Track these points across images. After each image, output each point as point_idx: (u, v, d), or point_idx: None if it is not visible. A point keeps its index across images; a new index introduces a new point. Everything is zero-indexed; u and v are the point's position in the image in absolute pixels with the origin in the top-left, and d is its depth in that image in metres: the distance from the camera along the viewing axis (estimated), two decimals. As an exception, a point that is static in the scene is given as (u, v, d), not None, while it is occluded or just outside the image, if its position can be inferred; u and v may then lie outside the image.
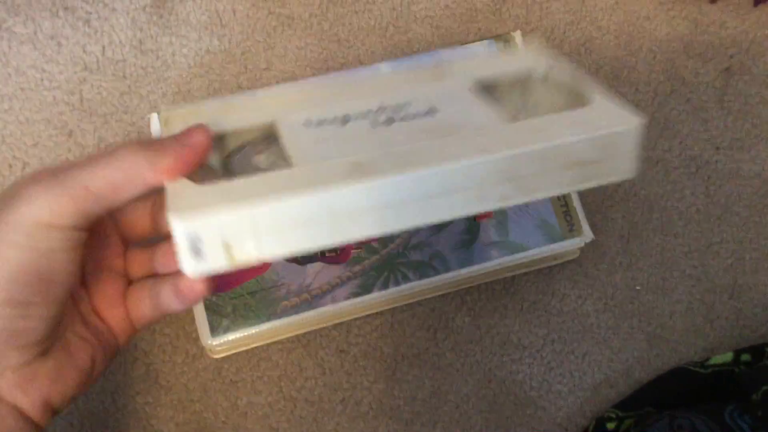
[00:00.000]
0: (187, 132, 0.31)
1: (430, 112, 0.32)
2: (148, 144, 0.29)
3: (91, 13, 0.50)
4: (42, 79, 0.48)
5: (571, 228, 0.45)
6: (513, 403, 0.46)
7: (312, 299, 0.43)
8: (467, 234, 0.45)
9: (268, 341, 0.45)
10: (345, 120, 0.33)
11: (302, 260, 0.43)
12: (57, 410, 0.31)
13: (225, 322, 0.42)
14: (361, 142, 0.31)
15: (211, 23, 0.50)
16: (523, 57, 0.37)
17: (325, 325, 0.45)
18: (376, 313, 0.46)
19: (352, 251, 0.44)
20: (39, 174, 0.29)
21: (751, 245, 0.50)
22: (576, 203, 0.46)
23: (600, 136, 0.29)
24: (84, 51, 0.49)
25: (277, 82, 0.50)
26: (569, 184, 0.29)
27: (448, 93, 0.33)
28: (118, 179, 0.28)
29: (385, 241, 0.44)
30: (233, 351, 0.44)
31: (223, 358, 0.45)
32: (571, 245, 0.45)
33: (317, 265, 0.43)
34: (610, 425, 0.45)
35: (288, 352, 0.45)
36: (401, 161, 0.28)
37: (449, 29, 0.52)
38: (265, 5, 0.51)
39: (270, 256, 0.28)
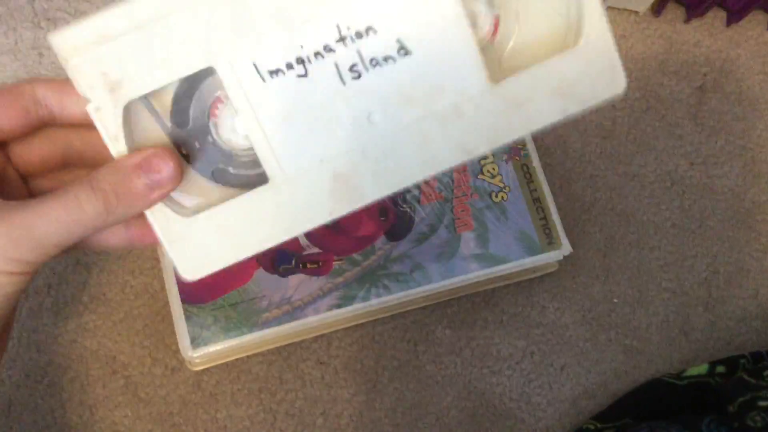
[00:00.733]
0: (152, 165, 0.26)
1: (401, 50, 0.27)
2: (107, 184, 0.26)
3: (72, 25, 0.50)
4: (22, 90, 0.48)
5: (550, 241, 0.46)
6: (492, 415, 0.47)
7: (293, 311, 0.43)
8: (448, 246, 0.45)
9: (249, 353, 0.45)
10: (302, 66, 0.27)
11: (284, 272, 0.43)
12: None
13: (205, 334, 0.42)
14: (332, 118, 0.27)
15: (193, 36, 0.51)
16: None
17: (306, 337, 0.46)
18: (357, 325, 0.47)
19: (334, 263, 0.44)
20: None
21: (725, 259, 0.51)
22: (555, 216, 0.46)
23: (584, 109, 0.28)
24: (65, 62, 0.49)
25: None
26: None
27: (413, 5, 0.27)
28: (68, 225, 0.25)
29: (366, 253, 0.44)
30: (213, 363, 0.44)
31: (202, 370, 0.45)
32: (550, 258, 0.46)
33: (299, 277, 0.43)
34: (589, 436, 0.45)
35: (268, 365, 0.45)
36: (384, 175, 0.27)
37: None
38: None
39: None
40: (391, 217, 0.45)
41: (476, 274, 0.45)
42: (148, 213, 0.27)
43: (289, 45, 0.26)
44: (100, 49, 0.25)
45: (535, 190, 0.47)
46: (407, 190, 0.46)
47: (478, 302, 0.48)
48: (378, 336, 0.47)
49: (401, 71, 0.26)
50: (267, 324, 0.42)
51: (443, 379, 0.47)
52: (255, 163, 0.28)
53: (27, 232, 0.25)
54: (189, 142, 0.28)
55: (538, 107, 0.27)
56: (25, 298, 0.45)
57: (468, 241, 0.45)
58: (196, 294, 0.42)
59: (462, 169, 0.47)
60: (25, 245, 0.25)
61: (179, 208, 0.28)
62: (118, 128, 0.26)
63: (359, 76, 0.26)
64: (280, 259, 0.43)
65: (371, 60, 0.26)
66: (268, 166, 0.27)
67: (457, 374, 0.47)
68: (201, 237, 0.28)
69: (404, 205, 0.45)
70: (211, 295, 0.42)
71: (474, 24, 0.27)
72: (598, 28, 0.28)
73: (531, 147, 0.48)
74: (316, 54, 0.26)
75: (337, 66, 0.26)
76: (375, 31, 0.26)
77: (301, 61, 0.26)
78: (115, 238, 0.29)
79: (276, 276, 0.43)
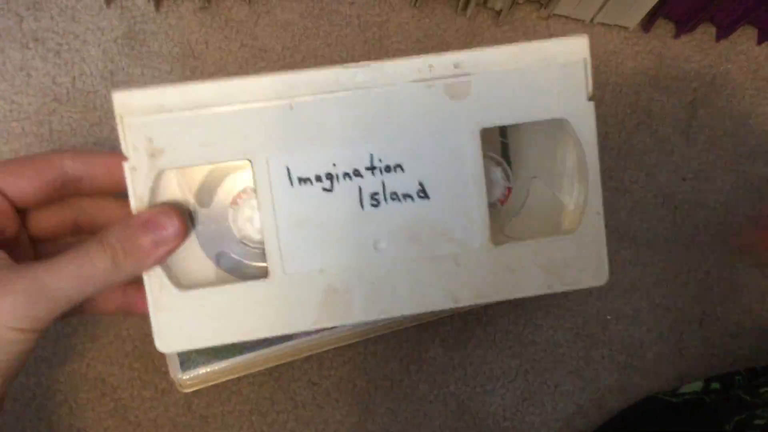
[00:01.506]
0: (159, 223, 0.28)
1: (421, 192, 0.30)
2: (116, 240, 0.27)
3: (61, 45, 0.49)
4: (11, 111, 0.48)
5: None
6: (486, 435, 0.46)
7: None
8: None
9: (239, 375, 0.44)
10: (330, 182, 0.30)
11: None
12: None
13: (195, 356, 0.41)
14: (342, 235, 0.30)
15: (183, 55, 0.50)
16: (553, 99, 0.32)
17: (296, 357, 0.45)
18: (348, 345, 0.46)
19: None
20: None
21: (719, 274, 0.51)
22: None
23: (566, 290, 0.31)
24: (54, 82, 0.49)
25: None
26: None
27: (446, 153, 0.30)
28: (80, 281, 0.26)
29: None
30: (203, 385, 0.44)
31: (193, 392, 0.44)
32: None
33: None
34: (584, 456, 0.45)
35: (259, 386, 0.45)
36: (374, 300, 0.29)
37: (420, 62, 0.53)
38: (238, 37, 0.51)
39: None
40: None
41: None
42: (145, 275, 0.28)
43: (324, 160, 0.29)
44: (154, 117, 0.28)
45: None
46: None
47: (471, 321, 0.48)
48: (370, 356, 0.46)
49: (416, 211, 0.30)
50: (256, 346, 0.42)
51: (436, 399, 0.46)
52: (259, 256, 0.30)
53: (41, 289, 0.26)
54: (205, 220, 0.31)
55: (527, 277, 0.30)
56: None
57: None
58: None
59: None
60: (39, 302, 0.26)
61: (176, 280, 0.29)
62: (146, 190, 0.28)
63: (377, 205, 0.29)
64: None
65: (392, 194, 0.30)
66: (272, 262, 0.29)
67: (450, 393, 0.46)
68: (187, 313, 0.29)
69: None
70: None
71: (489, 189, 0.31)
72: (594, 224, 0.31)
73: None
74: (345, 175, 0.29)
75: (360, 190, 0.29)
76: (402, 170, 0.29)
77: (330, 177, 0.29)
78: (111, 303, 0.31)
79: None
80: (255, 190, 0.29)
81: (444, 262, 0.30)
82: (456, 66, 0.30)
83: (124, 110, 0.28)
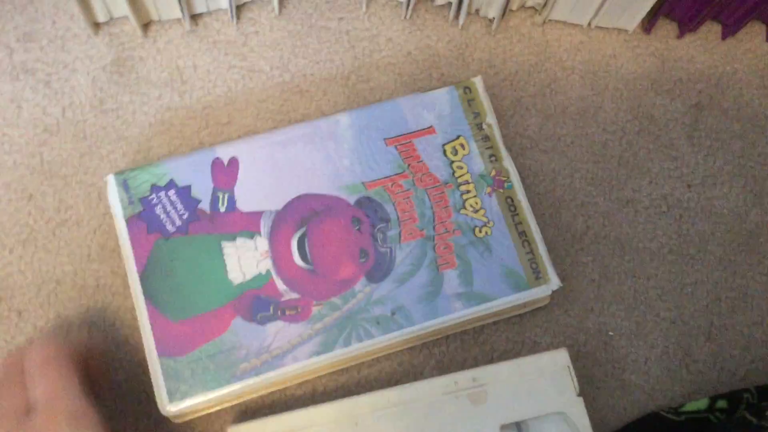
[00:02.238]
0: None
1: None
2: None
3: (51, 75, 0.50)
4: (2, 143, 0.48)
5: (537, 276, 0.44)
6: (485, 458, 0.45)
7: (272, 359, 0.42)
8: (431, 286, 0.44)
9: (231, 404, 0.44)
10: None
11: (262, 320, 0.43)
12: None
13: (183, 387, 0.41)
14: None
15: (171, 80, 0.50)
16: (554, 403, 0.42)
17: (288, 384, 0.45)
18: (342, 369, 0.46)
19: (313, 308, 0.43)
20: None
21: (727, 285, 0.49)
22: (542, 250, 0.45)
23: None
24: (44, 113, 0.49)
25: (238, 136, 0.49)
26: None
27: None
28: None
29: (346, 296, 0.43)
30: (195, 415, 0.44)
31: (186, 422, 0.44)
32: (537, 294, 0.44)
33: (277, 324, 0.43)
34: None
35: (252, 414, 0.45)
36: None
37: (412, 76, 0.52)
38: (226, 59, 0.51)
39: None
40: (372, 257, 0.44)
41: (461, 313, 0.44)
42: None
43: None
44: None
45: (521, 223, 0.45)
46: (387, 228, 0.45)
47: (467, 340, 0.47)
48: (363, 380, 0.46)
49: None
50: (246, 374, 0.42)
51: (432, 422, 0.45)
52: None
53: None
54: None
55: None
56: (8, 356, 0.45)
57: (451, 280, 0.44)
58: (173, 347, 0.42)
59: (443, 204, 0.45)
60: None
61: None
62: None
63: None
64: (258, 307, 0.43)
65: None
66: None
67: (446, 416, 0.46)
68: None
69: (384, 245, 0.44)
70: (188, 347, 0.42)
71: None
72: None
73: (515, 178, 0.46)
74: None
75: None
76: None
77: None
78: None
79: (254, 324, 0.42)
80: None
81: None
82: (474, 380, 0.41)
83: None
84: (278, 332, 0.42)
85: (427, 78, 0.52)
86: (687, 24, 0.53)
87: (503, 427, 0.41)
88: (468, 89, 0.48)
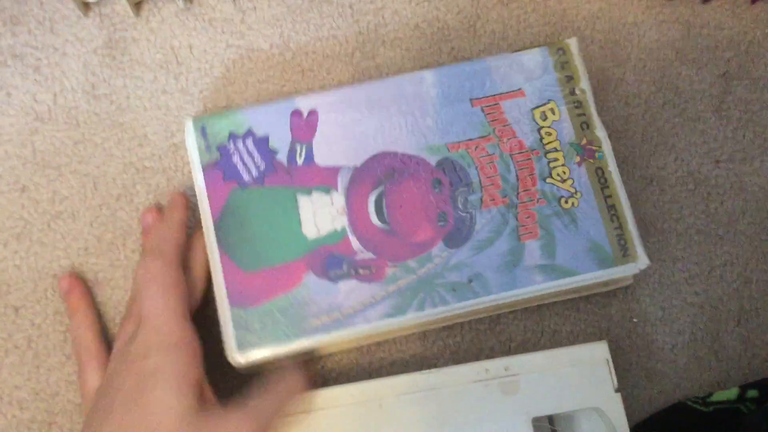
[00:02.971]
0: None
1: None
2: None
3: (41, 60, 0.47)
4: (-8, 133, 0.46)
5: (624, 253, 0.41)
6: (503, 453, 0.43)
7: (344, 318, 0.40)
8: (510, 255, 0.41)
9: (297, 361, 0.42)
10: None
11: (334, 277, 0.40)
12: None
13: (253, 338, 0.39)
14: None
15: (166, 61, 0.48)
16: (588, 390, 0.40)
17: (358, 345, 0.43)
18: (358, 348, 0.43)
19: (388, 269, 0.41)
20: None
21: (758, 265, 0.47)
22: (631, 226, 0.41)
23: None
24: (35, 100, 0.47)
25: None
26: None
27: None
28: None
29: (422, 260, 0.41)
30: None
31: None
32: (624, 272, 0.41)
33: (350, 283, 0.40)
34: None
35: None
36: None
37: (420, 51, 0.49)
38: (223, 38, 0.48)
39: None
40: (451, 222, 0.41)
41: (541, 286, 0.40)
42: None
43: None
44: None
45: (610, 196, 0.42)
46: (468, 192, 0.42)
47: (483, 330, 0.45)
48: (375, 372, 0.44)
49: None
50: (316, 331, 0.39)
51: (448, 417, 0.43)
52: None
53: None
54: None
55: None
56: (6, 354, 0.43)
57: (533, 251, 0.41)
58: (245, 297, 0.40)
59: (529, 171, 0.42)
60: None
61: None
62: None
63: None
64: (331, 264, 0.40)
65: None
66: None
67: (462, 410, 0.44)
68: None
69: (464, 210, 0.42)
70: (259, 298, 0.40)
71: None
72: None
73: (607, 148, 0.43)
74: None
75: None
76: None
77: None
78: None
79: (326, 281, 0.40)
80: None
81: None
82: (506, 368, 0.39)
83: None
84: (350, 291, 0.40)
85: (436, 53, 0.49)
86: (714, -13, 0.50)
87: (535, 420, 0.39)
88: (562, 51, 0.44)
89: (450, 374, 0.40)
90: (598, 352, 0.40)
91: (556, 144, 0.43)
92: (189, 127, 0.42)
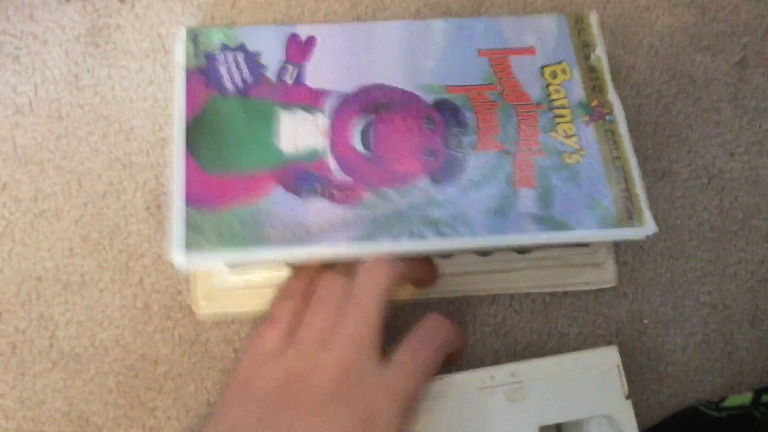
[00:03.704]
0: None
1: None
2: None
3: (20, 49, 0.45)
4: (-30, 127, 0.44)
5: (630, 216, 0.38)
6: (509, 460, 0.42)
7: (308, 235, 0.37)
8: (502, 199, 0.38)
9: (247, 288, 0.41)
10: None
11: (305, 194, 0.38)
12: None
13: (202, 241, 0.36)
14: None
15: (153, 50, 0.45)
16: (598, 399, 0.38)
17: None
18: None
19: (365, 194, 0.38)
20: None
21: (774, 264, 0.45)
22: (639, 189, 0.39)
23: None
24: (15, 92, 0.44)
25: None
26: None
27: None
28: None
29: (404, 191, 0.38)
30: (219, 309, 0.41)
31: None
32: (628, 234, 0.38)
33: (321, 203, 0.38)
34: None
35: None
36: None
37: (421, 37, 0.46)
38: (213, 23, 0.46)
39: None
40: (440, 158, 0.39)
41: (533, 236, 0.38)
42: None
43: None
44: None
45: (619, 158, 0.39)
46: (463, 133, 0.40)
47: (487, 332, 0.43)
48: (375, 379, 0.42)
49: None
50: (274, 244, 0.37)
51: None
52: None
53: None
54: None
55: None
56: (-12, 360, 0.41)
57: (527, 199, 0.38)
58: (203, 198, 0.37)
59: (531, 122, 0.40)
60: None
61: None
62: None
63: None
64: (304, 181, 0.38)
65: None
66: None
67: (466, 416, 0.42)
68: None
69: (457, 149, 0.39)
70: (219, 203, 0.37)
71: None
72: None
73: (620, 113, 0.40)
74: None
75: None
76: None
77: None
78: None
79: (296, 197, 0.38)
80: None
81: None
82: (512, 375, 0.38)
83: None
84: (320, 212, 0.37)
85: (438, 39, 0.46)
86: (731, -32, 0.47)
87: (542, 428, 0.37)
88: (580, 20, 0.42)
89: (454, 382, 0.38)
90: (609, 357, 0.38)
91: (564, 101, 0.40)
92: (182, 33, 0.40)
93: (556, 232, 0.38)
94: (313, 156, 0.38)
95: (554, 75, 0.41)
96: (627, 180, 0.39)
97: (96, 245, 0.43)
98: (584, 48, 0.41)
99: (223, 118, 0.39)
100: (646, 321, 0.44)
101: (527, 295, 0.43)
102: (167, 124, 0.44)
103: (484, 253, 0.41)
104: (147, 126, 0.44)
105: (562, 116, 0.40)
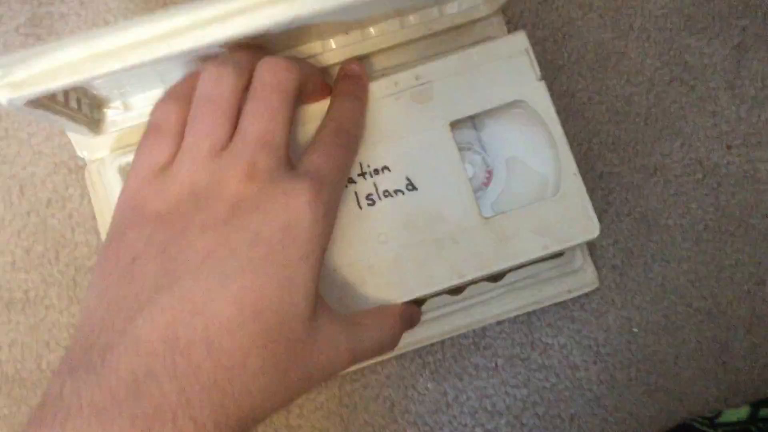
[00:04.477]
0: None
1: (409, 186, 0.34)
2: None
3: (-48, 41, 0.41)
4: None
5: None
6: (489, 481, 0.39)
7: None
8: None
9: None
10: None
11: None
12: None
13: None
14: (348, 235, 0.34)
15: (99, 41, 0.41)
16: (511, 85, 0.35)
17: None
18: (319, 388, 0.39)
19: None
20: None
21: (773, 266, 0.42)
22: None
23: (563, 248, 0.34)
24: (-53, 90, 0.40)
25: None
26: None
27: (424, 147, 0.34)
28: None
29: None
30: None
31: None
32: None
33: None
34: (605, 507, 0.38)
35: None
36: (386, 287, 0.33)
37: (393, 24, 0.43)
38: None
39: None
40: None
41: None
42: None
43: None
44: None
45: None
46: None
47: (466, 345, 0.40)
48: (346, 398, 0.39)
49: (408, 203, 0.34)
50: None
51: (428, 443, 0.39)
52: None
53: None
54: None
55: (523, 242, 0.33)
56: (-74, 385, 0.38)
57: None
58: None
59: None
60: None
61: None
62: None
63: (373, 204, 0.34)
64: None
65: (384, 191, 0.34)
66: None
67: (444, 435, 0.39)
68: None
69: None
70: None
71: (472, 174, 0.36)
72: (573, 183, 0.34)
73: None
74: None
75: (356, 194, 0.34)
76: (389, 170, 0.34)
77: None
78: None
79: None
80: None
81: (443, 242, 0.33)
82: (417, 78, 0.35)
83: None
84: None
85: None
86: (729, -57, 0.43)
87: (453, 123, 0.35)
88: None
89: None
90: (517, 42, 0.35)
91: None
92: None
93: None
94: None
95: None
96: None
97: (40, 258, 0.39)
98: None
99: None
100: (635, 329, 0.41)
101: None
102: (116, 124, 0.41)
103: (457, 291, 0.38)
104: (94, 126, 0.40)
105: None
